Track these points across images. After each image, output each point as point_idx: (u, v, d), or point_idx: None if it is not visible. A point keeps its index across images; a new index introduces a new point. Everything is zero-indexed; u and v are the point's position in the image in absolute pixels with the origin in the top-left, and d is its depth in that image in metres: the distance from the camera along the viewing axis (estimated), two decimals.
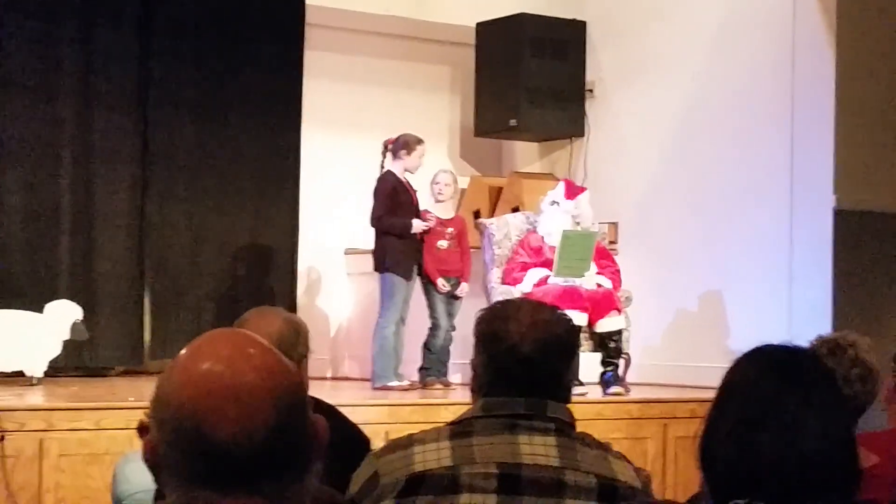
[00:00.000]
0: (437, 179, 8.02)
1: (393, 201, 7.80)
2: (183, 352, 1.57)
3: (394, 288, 7.77)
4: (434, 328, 7.93)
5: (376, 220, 7.80)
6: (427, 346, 7.93)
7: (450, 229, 8.01)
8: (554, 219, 7.82)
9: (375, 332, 7.78)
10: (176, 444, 1.51)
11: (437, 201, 8.02)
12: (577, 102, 9.43)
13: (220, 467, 1.50)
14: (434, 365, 7.93)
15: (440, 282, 7.88)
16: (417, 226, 7.82)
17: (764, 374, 2.02)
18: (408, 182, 7.96)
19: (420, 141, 7.91)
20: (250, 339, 1.58)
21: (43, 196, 8.26)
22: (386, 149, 7.94)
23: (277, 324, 3.37)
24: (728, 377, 2.06)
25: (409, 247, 7.84)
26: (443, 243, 7.95)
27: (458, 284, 7.96)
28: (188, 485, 1.51)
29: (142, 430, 3.41)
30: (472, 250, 8.27)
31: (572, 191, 8.01)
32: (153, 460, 1.54)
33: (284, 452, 1.52)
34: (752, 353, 2.07)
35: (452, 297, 7.96)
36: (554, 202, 7.91)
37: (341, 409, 3.80)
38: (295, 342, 3.35)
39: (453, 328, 7.96)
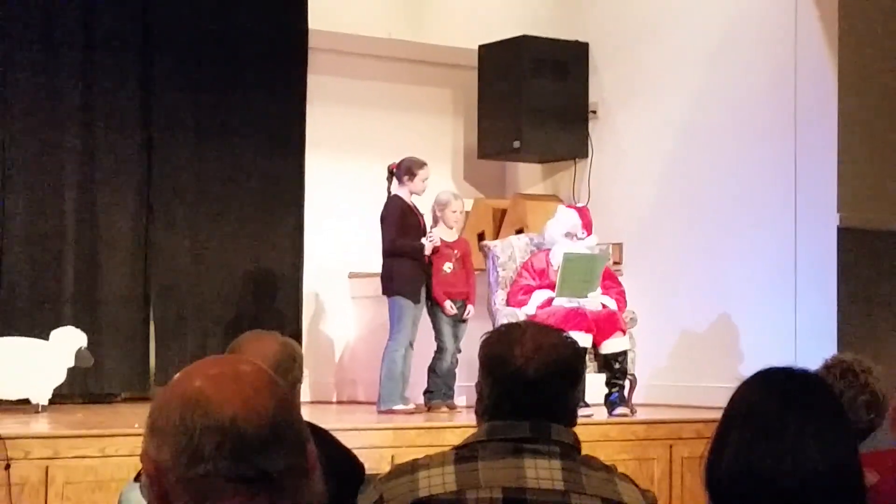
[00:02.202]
0: (453, 207, 8.01)
1: (402, 225, 7.82)
2: (176, 376, 1.61)
3: (403, 311, 7.77)
4: (440, 351, 7.93)
5: (390, 244, 7.81)
6: (433, 370, 7.92)
7: (455, 252, 8.02)
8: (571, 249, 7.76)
9: (385, 355, 7.77)
10: (182, 437, 1.52)
11: (449, 227, 8.03)
12: (580, 123, 9.43)
13: (231, 448, 1.50)
14: (439, 388, 7.92)
15: (448, 304, 7.88)
16: (426, 245, 7.84)
17: (767, 396, 2.03)
18: (415, 205, 7.99)
19: (423, 164, 7.94)
20: (242, 359, 1.63)
21: (47, 222, 8.27)
22: (391, 174, 7.96)
23: (274, 347, 3.37)
24: (733, 400, 2.07)
25: (417, 270, 7.85)
26: (448, 266, 7.96)
27: (464, 307, 7.96)
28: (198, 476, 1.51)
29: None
30: (476, 272, 8.27)
31: (588, 222, 7.94)
32: (157, 478, 1.54)
33: (286, 438, 1.54)
34: (756, 376, 2.08)
35: (459, 320, 7.96)
36: (574, 236, 7.83)
37: (346, 433, 3.79)
38: (290, 367, 3.34)
39: (459, 351, 7.96)
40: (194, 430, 1.51)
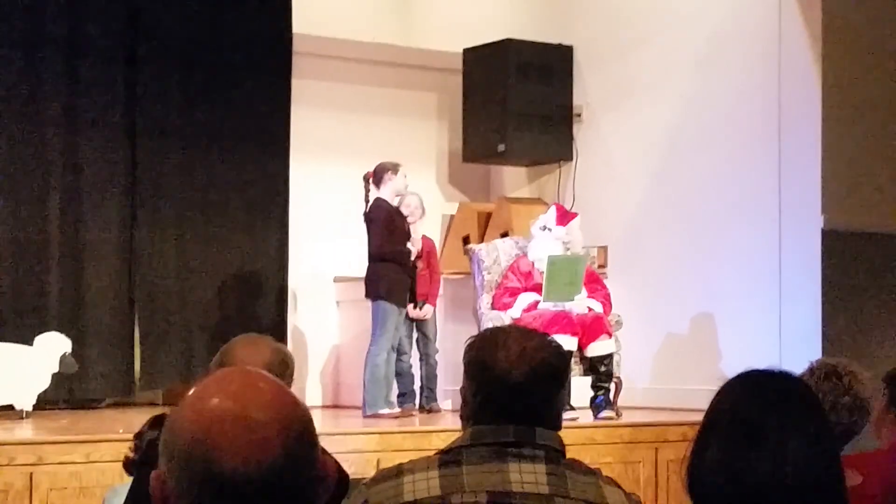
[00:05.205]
0: (406, 202, 8.03)
1: (390, 229, 7.82)
2: (194, 388, 1.59)
3: (386, 316, 7.77)
4: (397, 353, 7.93)
5: (378, 248, 7.79)
6: (398, 373, 7.94)
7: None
8: (544, 244, 7.82)
9: (367, 360, 7.76)
10: (185, 475, 1.51)
11: (409, 225, 8.05)
12: (564, 127, 9.44)
13: (227, 498, 1.50)
14: (410, 390, 7.98)
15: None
16: (412, 250, 7.87)
17: (748, 398, 2.03)
18: (398, 208, 7.99)
19: (398, 163, 7.96)
20: (260, 375, 1.61)
21: (31, 229, 8.24)
22: (368, 182, 7.96)
23: (266, 354, 3.35)
24: (713, 403, 2.07)
25: (402, 274, 7.84)
26: None
27: (423, 306, 7.99)
28: None
29: (127, 464, 3.37)
30: (461, 276, 8.29)
31: (564, 217, 8.00)
32: (161, 494, 1.54)
33: (291, 487, 1.53)
34: (737, 378, 2.09)
35: (410, 319, 7.97)
36: (545, 227, 7.91)
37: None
38: (282, 373, 3.32)
39: (436, 351, 8.01)
40: (194, 480, 1.51)
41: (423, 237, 8.20)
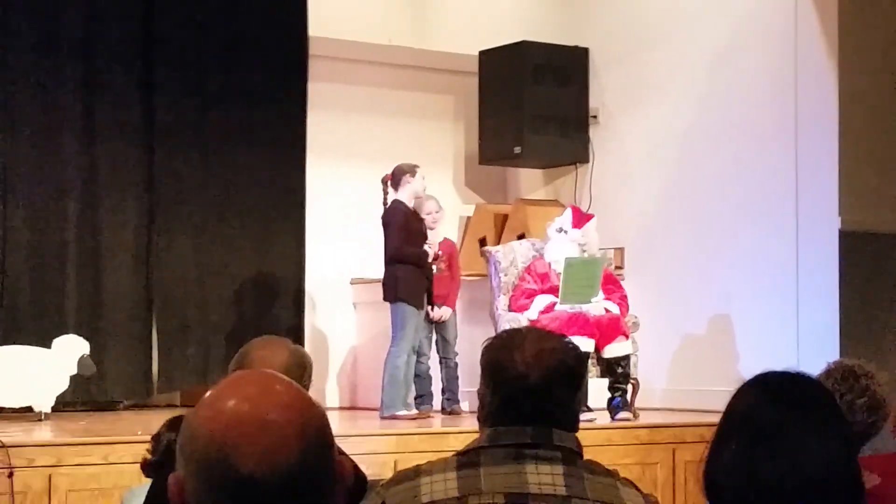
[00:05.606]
0: (427, 209, 8.03)
1: (407, 231, 7.83)
2: (210, 391, 1.59)
3: (406, 317, 7.78)
4: (416, 355, 7.94)
5: (395, 250, 7.80)
6: (416, 374, 7.95)
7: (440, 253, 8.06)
8: (560, 246, 7.82)
9: (387, 362, 7.77)
10: (203, 478, 1.53)
11: (430, 229, 8.05)
12: (581, 128, 9.44)
13: (245, 500, 1.51)
14: (427, 392, 7.99)
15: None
16: (429, 252, 7.88)
17: (765, 400, 2.03)
18: (416, 210, 8.00)
19: (416, 165, 7.98)
20: (277, 377, 1.61)
21: (49, 232, 8.28)
22: (386, 184, 7.97)
23: (283, 356, 3.35)
24: (730, 405, 2.07)
25: (420, 276, 7.85)
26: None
27: (439, 307, 8.01)
28: None
29: (145, 466, 3.38)
30: (478, 278, 8.29)
31: (580, 219, 8.00)
32: (179, 496, 1.55)
33: (308, 487, 1.54)
34: (754, 380, 2.09)
35: (430, 321, 7.98)
36: (561, 230, 7.91)
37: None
38: (299, 375, 3.32)
39: (456, 354, 8.01)
40: (212, 482, 1.52)
41: (446, 240, 8.22)
